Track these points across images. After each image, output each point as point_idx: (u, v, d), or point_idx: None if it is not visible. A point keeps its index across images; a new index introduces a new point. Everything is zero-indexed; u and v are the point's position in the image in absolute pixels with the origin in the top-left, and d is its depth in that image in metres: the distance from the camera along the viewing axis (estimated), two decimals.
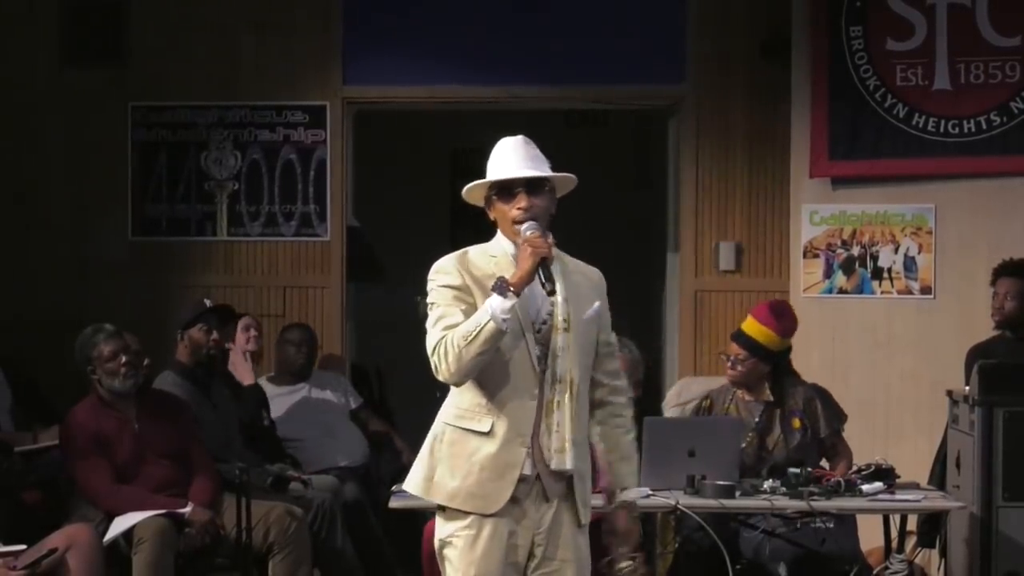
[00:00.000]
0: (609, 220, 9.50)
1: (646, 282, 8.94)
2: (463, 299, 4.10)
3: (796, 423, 6.11)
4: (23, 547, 5.72)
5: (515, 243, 4.14)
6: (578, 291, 4.19)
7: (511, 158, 4.19)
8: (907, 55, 7.43)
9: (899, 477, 5.89)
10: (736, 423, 6.00)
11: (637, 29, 7.97)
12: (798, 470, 5.71)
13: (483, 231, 4.36)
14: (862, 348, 7.51)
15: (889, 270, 7.53)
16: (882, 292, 7.55)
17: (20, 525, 6.10)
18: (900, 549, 5.92)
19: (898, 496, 5.69)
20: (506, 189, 4.17)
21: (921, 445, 6.93)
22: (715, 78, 7.96)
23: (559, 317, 4.12)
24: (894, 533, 5.93)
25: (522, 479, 4.12)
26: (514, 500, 4.12)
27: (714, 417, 6.18)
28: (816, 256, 7.61)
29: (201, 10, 8.04)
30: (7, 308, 7.75)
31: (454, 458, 4.14)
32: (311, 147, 8.06)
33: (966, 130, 7.36)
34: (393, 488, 5.47)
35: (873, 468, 5.83)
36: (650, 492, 5.57)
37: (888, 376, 7.44)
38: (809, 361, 6.72)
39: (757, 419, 6.12)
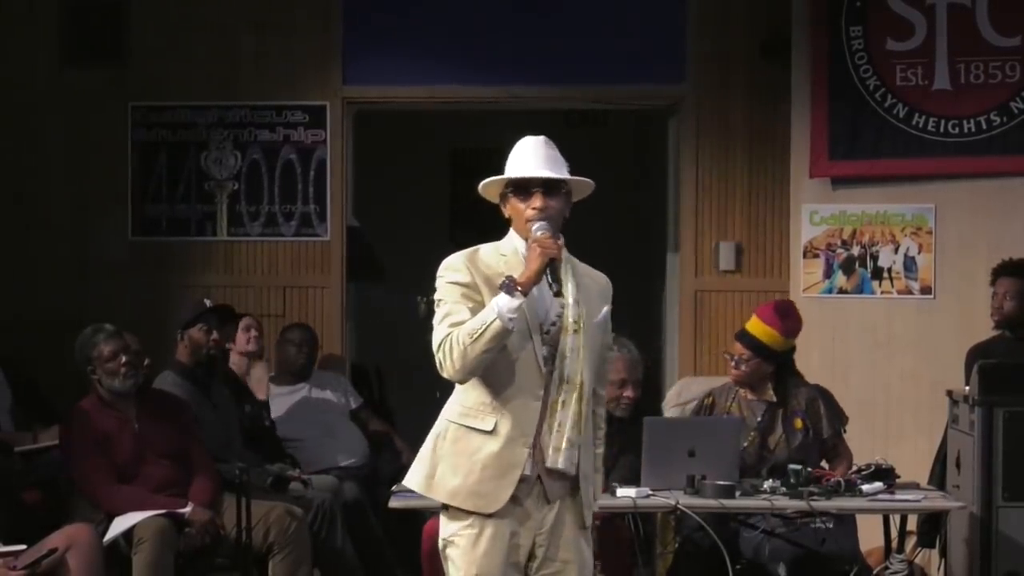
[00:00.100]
0: (609, 220, 9.50)
1: (646, 282, 8.95)
2: (471, 297, 4.10)
3: (798, 423, 6.11)
4: (23, 547, 5.72)
5: (527, 241, 4.15)
6: (588, 294, 4.20)
7: (531, 157, 4.20)
8: (907, 55, 7.43)
9: (899, 477, 5.89)
10: (736, 423, 6.00)
11: (637, 29, 7.97)
12: (798, 467, 5.71)
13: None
14: (862, 348, 7.51)
15: (889, 270, 7.53)
16: (882, 292, 7.55)
17: (20, 525, 6.10)
18: (900, 549, 5.92)
19: (898, 496, 5.69)
20: (523, 187, 4.18)
21: (921, 445, 6.93)
22: (715, 78, 7.96)
23: (569, 319, 4.12)
24: (894, 533, 5.93)
25: (523, 479, 4.12)
26: (516, 500, 4.12)
27: (714, 417, 6.18)
28: (816, 256, 7.61)
29: (201, 10, 8.04)
30: (7, 308, 7.75)
31: (456, 456, 4.14)
32: (311, 147, 8.06)
33: (966, 130, 7.36)
34: (393, 488, 5.48)
35: (873, 468, 5.83)
36: (650, 492, 5.58)
37: (888, 376, 7.44)
38: (809, 361, 6.72)
39: (759, 418, 6.12)
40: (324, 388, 7.69)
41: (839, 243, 7.58)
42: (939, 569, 6.39)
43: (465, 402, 4.16)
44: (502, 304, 3.99)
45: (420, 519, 6.02)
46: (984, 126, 7.33)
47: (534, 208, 4.15)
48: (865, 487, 5.69)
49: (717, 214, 8.00)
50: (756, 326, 6.12)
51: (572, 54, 7.94)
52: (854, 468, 5.95)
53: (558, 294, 4.08)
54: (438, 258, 4.23)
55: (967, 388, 6.19)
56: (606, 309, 4.26)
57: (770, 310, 6.18)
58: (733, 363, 6.15)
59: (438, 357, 4.08)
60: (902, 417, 7.37)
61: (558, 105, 8.57)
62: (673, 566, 6.23)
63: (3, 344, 7.31)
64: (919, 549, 6.52)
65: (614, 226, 9.52)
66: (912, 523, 6.24)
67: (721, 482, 5.56)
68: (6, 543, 5.77)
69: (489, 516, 4.11)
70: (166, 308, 7.39)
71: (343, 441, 7.54)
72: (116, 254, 8.03)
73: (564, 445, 4.11)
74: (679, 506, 5.51)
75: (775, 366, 6.14)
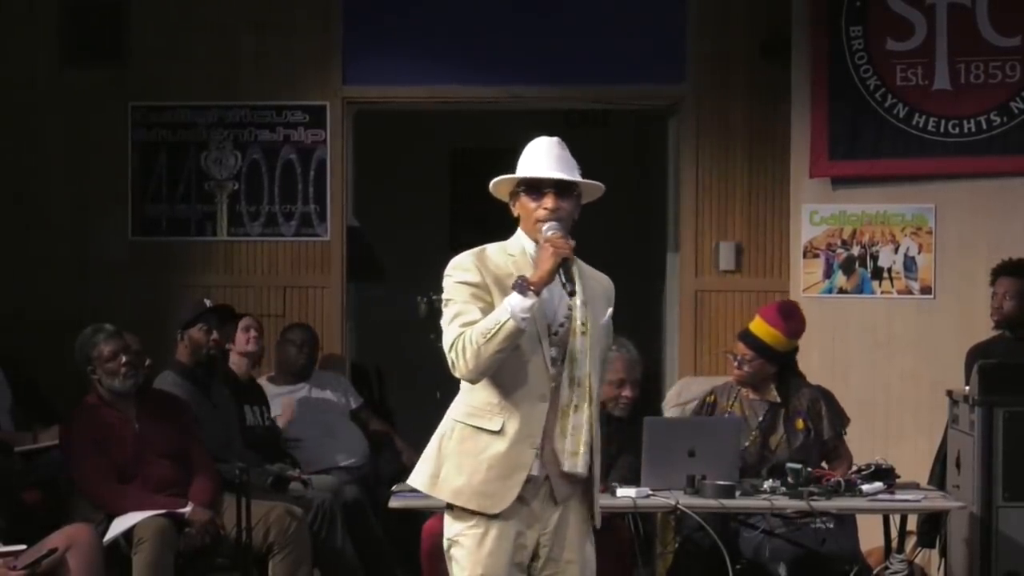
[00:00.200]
0: (609, 220, 9.49)
1: (646, 282, 8.94)
2: (481, 297, 4.10)
3: (800, 424, 6.11)
4: (23, 547, 5.72)
5: (536, 241, 4.16)
6: (593, 296, 4.20)
7: (544, 157, 4.20)
8: (907, 55, 7.43)
9: (899, 477, 5.89)
10: (736, 423, 6.00)
11: (637, 29, 7.97)
12: (797, 466, 5.71)
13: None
14: (862, 348, 7.51)
15: (889, 270, 7.53)
16: (882, 292, 7.55)
17: (20, 525, 6.10)
18: (900, 549, 5.92)
19: (898, 496, 5.69)
20: (535, 187, 4.18)
21: (921, 445, 6.93)
22: (715, 78, 7.96)
23: (577, 320, 4.13)
24: (894, 533, 5.92)
25: (530, 480, 4.12)
26: (522, 501, 4.12)
27: (714, 417, 6.19)
28: (816, 256, 7.61)
29: (201, 10, 8.04)
30: (7, 308, 7.75)
31: (462, 455, 4.14)
32: (311, 147, 8.06)
33: (966, 130, 7.36)
34: (393, 488, 5.48)
35: (873, 468, 5.83)
36: (650, 492, 5.58)
37: (888, 376, 7.44)
38: (809, 361, 6.72)
39: (761, 418, 6.13)
40: (324, 388, 7.69)
41: (839, 243, 7.58)
42: (939, 569, 6.39)
43: (472, 402, 4.15)
44: (515, 304, 3.99)
45: (420, 519, 6.02)
46: (984, 126, 7.33)
47: (546, 208, 4.15)
48: (865, 487, 5.69)
49: (717, 214, 8.00)
50: (759, 327, 6.12)
51: (572, 54, 7.94)
52: (854, 468, 5.95)
53: (572, 293, 4.08)
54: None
55: (967, 388, 6.19)
56: (609, 311, 4.27)
57: (774, 311, 6.18)
58: (736, 363, 6.15)
59: (450, 357, 4.08)
60: (902, 417, 7.36)
61: (558, 105, 8.57)
62: (673, 566, 6.23)
63: (3, 344, 7.31)
64: (919, 549, 6.52)
65: (614, 226, 9.51)
66: (912, 523, 6.24)
67: (721, 482, 5.56)
68: (6, 543, 5.77)
69: (495, 516, 4.11)
70: (166, 308, 7.39)
71: (343, 441, 7.54)
72: (116, 254, 8.03)
73: (582, 449, 4.12)
74: (679, 506, 5.50)
75: (778, 367, 6.14)
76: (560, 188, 4.17)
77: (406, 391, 9.06)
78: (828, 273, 7.60)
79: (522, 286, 4.01)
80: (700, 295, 7.99)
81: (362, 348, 9.13)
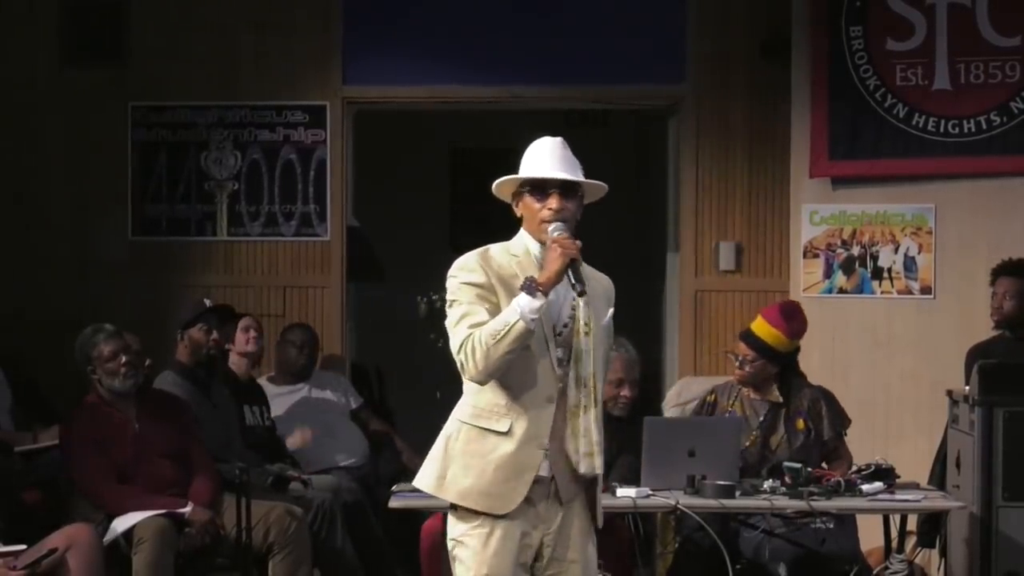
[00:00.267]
0: (609, 220, 9.49)
1: (646, 282, 8.95)
2: (487, 297, 4.10)
3: (800, 424, 6.11)
4: (23, 547, 5.72)
5: (540, 241, 4.15)
6: (595, 296, 4.20)
7: (548, 157, 4.20)
8: (907, 55, 7.43)
9: (899, 477, 5.89)
10: (736, 423, 6.00)
11: (637, 29, 7.97)
12: (797, 465, 5.71)
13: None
14: (862, 348, 7.51)
15: (889, 270, 7.53)
16: (882, 292, 7.55)
17: (20, 525, 6.10)
18: (900, 549, 5.92)
19: (898, 496, 5.69)
20: (540, 187, 4.18)
21: (921, 445, 6.93)
22: (715, 78, 7.96)
23: (581, 321, 4.13)
24: (894, 533, 5.92)
25: (538, 481, 4.12)
26: (529, 501, 4.12)
27: (714, 417, 6.19)
28: (816, 256, 7.61)
29: (201, 10, 8.04)
30: (7, 308, 7.75)
31: (469, 456, 4.13)
32: (311, 147, 8.06)
33: (966, 130, 7.36)
34: (393, 488, 5.48)
35: (873, 468, 5.83)
36: (650, 492, 5.58)
37: (888, 376, 7.44)
38: (809, 361, 6.71)
39: (762, 418, 6.13)
40: (324, 388, 7.69)
41: (839, 243, 7.58)
42: (939, 569, 6.39)
43: (478, 403, 4.15)
44: (524, 305, 3.99)
45: (420, 519, 6.02)
46: (984, 126, 7.33)
47: (551, 209, 4.15)
48: (865, 487, 5.69)
49: (717, 214, 8.00)
50: (761, 327, 6.12)
51: (572, 54, 7.94)
52: (854, 468, 5.95)
53: (582, 293, 4.07)
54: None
55: (967, 388, 6.19)
56: (610, 312, 4.26)
57: (775, 311, 6.18)
58: (737, 363, 6.15)
59: (459, 358, 4.07)
60: (902, 417, 7.36)
61: (558, 105, 8.57)
62: (673, 566, 6.23)
63: (3, 344, 7.31)
64: (919, 549, 6.52)
65: (614, 226, 9.51)
66: (912, 523, 6.24)
67: (721, 482, 5.56)
68: (6, 543, 5.77)
69: (500, 516, 4.10)
70: (166, 308, 7.39)
71: (343, 441, 7.54)
72: (116, 254, 8.03)
73: (595, 450, 4.12)
74: (679, 506, 5.50)
75: (780, 367, 6.14)
76: (565, 188, 4.17)
77: (406, 391, 9.07)
78: (828, 273, 7.60)
79: (531, 287, 4.00)
80: (700, 295, 7.99)
81: (362, 348, 9.13)
